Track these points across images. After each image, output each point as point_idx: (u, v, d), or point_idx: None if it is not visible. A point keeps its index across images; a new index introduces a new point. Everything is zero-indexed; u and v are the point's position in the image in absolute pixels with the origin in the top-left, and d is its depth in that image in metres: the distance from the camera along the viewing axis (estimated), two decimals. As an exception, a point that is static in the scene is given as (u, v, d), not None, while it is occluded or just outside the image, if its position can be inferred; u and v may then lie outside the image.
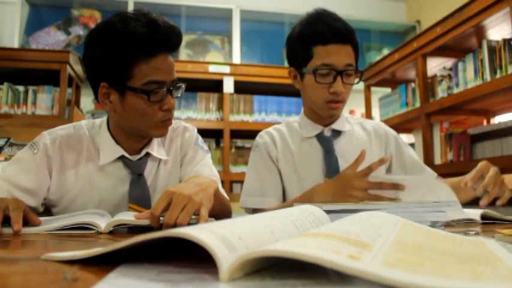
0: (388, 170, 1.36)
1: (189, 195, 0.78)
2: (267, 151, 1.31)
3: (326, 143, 1.29)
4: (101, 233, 0.75)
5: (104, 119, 1.13)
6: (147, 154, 1.10)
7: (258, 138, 1.36)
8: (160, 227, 0.76)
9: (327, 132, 1.31)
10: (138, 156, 1.09)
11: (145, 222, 0.78)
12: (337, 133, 1.31)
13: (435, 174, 1.34)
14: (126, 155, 1.07)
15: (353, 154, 1.24)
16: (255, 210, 1.27)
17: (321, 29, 1.19)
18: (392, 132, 1.41)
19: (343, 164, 1.25)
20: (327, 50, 1.19)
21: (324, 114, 1.27)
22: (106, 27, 0.99)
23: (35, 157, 1.03)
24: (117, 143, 1.08)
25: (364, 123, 1.41)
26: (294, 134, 1.35)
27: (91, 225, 0.78)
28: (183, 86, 1.06)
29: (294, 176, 1.28)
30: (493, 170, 1.02)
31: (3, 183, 0.99)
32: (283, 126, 1.39)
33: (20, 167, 1.02)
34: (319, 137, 1.31)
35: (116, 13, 1.00)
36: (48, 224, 0.81)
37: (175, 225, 0.75)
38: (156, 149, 1.12)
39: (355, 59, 1.23)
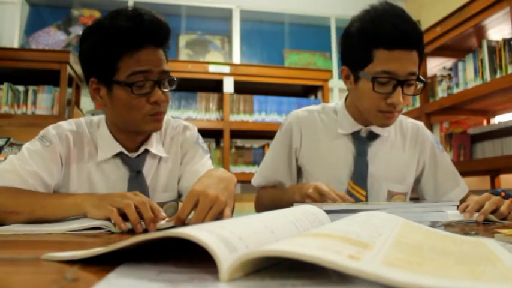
0: (419, 179, 1.30)
1: (216, 195, 0.79)
2: (289, 138, 1.28)
3: (360, 145, 1.21)
4: (112, 233, 0.74)
5: (102, 116, 1.13)
6: (146, 151, 1.10)
7: (287, 119, 1.31)
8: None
9: (363, 133, 1.23)
10: (137, 153, 1.08)
11: (169, 224, 0.78)
12: (373, 135, 1.23)
13: (466, 190, 1.28)
14: (125, 151, 1.07)
15: (383, 160, 1.23)
16: (262, 188, 1.34)
17: (387, 29, 1.05)
18: (430, 138, 1.31)
19: (371, 169, 1.20)
20: (391, 56, 1.05)
21: (375, 122, 1.16)
22: (94, 24, 1.00)
23: (48, 149, 1.02)
24: (115, 139, 1.08)
25: (404, 122, 1.31)
26: (329, 124, 1.27)
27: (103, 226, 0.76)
28: (175, 79, 1.04)
29: (317, 170, 1.24)
30: (495, 198, 0.94)
31: (28, 177, 0.96)
32: (319, 110, 1.30)
33: (38, 160, 1.00)
34: (355, 136, 1.23)
35: (108, 12, 1.01)
36: (61, 226, 0.78)
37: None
38: (155, 146, 1.11)
39: (419, 65, 1.11)
